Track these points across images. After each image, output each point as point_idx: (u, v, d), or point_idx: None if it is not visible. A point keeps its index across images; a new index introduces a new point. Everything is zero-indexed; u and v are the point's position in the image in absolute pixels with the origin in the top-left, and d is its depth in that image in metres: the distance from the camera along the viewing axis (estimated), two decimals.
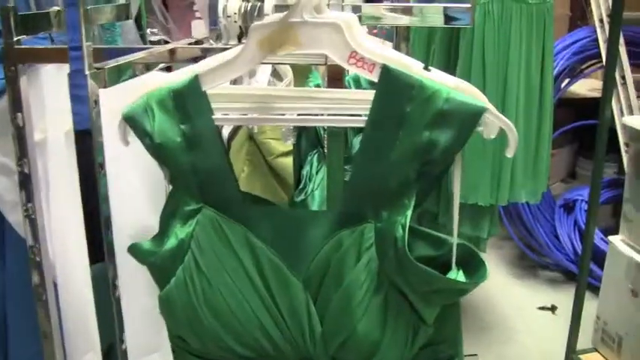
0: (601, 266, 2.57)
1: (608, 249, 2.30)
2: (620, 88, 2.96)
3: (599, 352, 2.32)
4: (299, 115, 0.90)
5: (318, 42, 0.83)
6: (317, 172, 1.45)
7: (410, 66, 0.83)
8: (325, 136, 1.38)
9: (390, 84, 0.82)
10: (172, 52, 1.19)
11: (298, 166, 1.47)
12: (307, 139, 1.48)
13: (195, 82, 0.87)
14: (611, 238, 2.30)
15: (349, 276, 0.84)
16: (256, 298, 0.87)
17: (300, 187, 1.43)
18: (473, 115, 0.80)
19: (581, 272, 2.19)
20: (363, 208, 0.85)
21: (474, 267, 0.84)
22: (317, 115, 0.89)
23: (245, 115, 0.90)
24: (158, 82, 0.89)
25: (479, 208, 2.33)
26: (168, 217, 0.91)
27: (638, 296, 2.10)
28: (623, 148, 2.95)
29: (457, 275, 0.83)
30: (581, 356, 2.29)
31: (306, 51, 0.82)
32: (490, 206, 2.35)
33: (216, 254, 0.87)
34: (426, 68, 0.84)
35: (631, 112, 3.00)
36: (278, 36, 0.82)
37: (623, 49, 2.95)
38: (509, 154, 0.83)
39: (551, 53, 2.20)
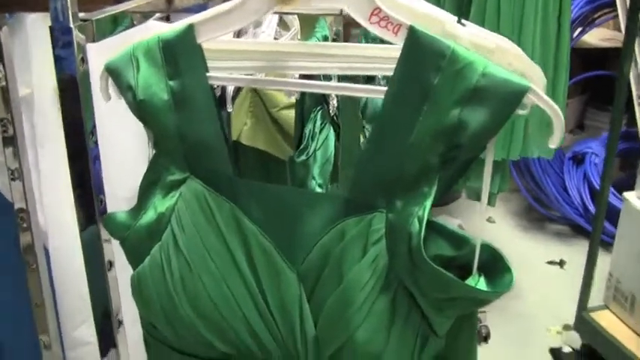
0: (611, 221, 2.51)
1: (623, 205, 2.22)
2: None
3: (610, 310, 2.26)
4: (303, 77, 0.80)
5: None
6: (320, 131, 1.36)
7: (443, 22, 0.70)
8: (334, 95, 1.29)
9: (416, 50, 0.69)
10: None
11: (300, 123, 1.37)
12: (311, 94, 1.38)
13: (189, 33, 0.76)
14: (626, 194, 2.21)
15: (350, 273, 0.71)
16: (242, 287, 0.76)
17: (302, 146, 1.33)
18: (513, 96, 0.66)
19: (595, 231, 2.12)
20: (374, 194, 0.72)
21: (497, 272, 0.71)
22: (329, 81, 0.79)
23: (248, 75, 0.80)
24: (150, 33, 0.79)
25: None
26: (149, 186, 0.80)
27: None
28: (636, 100, 2.84)
29: (477, 282, 0.70)
30: (592, 314, 2.23)
31: (321, 4, 0.72)
32: (501, 161, 2.28)
33: (199, 234, 0.76)
34: (459, 21, 0.72)
35: None
36: None
37: None
38: (554, 144, 0.69)
39: (569, 1, 2.09)
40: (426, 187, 0.70)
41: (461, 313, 0.74)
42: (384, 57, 0.77)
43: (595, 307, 2.26)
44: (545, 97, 0.67)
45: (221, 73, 0.78)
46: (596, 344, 2.20)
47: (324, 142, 1.34)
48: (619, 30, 3.21)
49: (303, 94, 1.34)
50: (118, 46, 0.82)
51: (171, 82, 0.76)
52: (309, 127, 1.33)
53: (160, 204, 0.79)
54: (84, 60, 0.83)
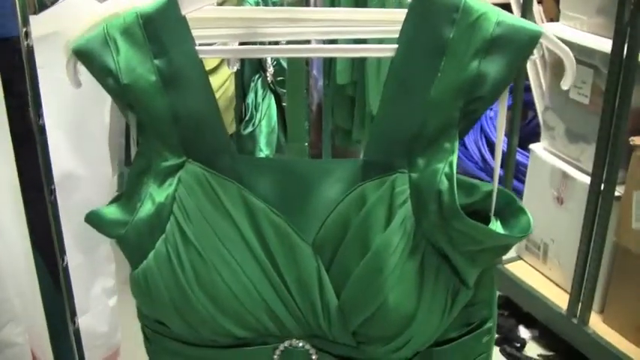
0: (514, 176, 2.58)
1: (530, 158, 2.29)
2: None
3: (524, 260, 2.33)
4: (291, 42, 0.75)
5: None
6: (263, 100, 1.29)
7: None
8: (270, 61, 1.23)
9: (427, 5, 0.68)
10: None
11: (242, 93, 1.30)
12: (250, 63, 1.30)
13: (171, 4, 0.70)
14: (532, 146, 2.28)
15: (379, 239, 0.69)
16: (257, 270, 0.71)
17: (247, 118, 1.26)
18: (529, 41, 0.67)
19: (506, 186, 2.17)
20: (393, 154, 0.70)
21: (511, 215, 0.71)
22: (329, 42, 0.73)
23: (234, 44, 0.74)
24: (111, 7, 0.70)
25: None
26: (139, 175, 0.74)
27: (564, 203, 2.10)
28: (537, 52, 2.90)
29: (496, 227, 0.70)
30: (506, 265, 2.29)
31: None
32: None
33: (206, 220, 0.71)
34: None
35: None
36: None
37: None
38: (566, 85, 0.71)
39: None
40: (447, 142, 0.69)
41: (492, 261, 0.74)
42: (370, 20, 0.74)
43: (509, 259, 2.32)
44: (556, 40, 0.69)
45: (208, 47, 0.71)
46: (512, 295, 2.26)
47: (267, 111, 1.28)
48: None
49: (242, 64, 1.26)
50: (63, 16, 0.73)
51: (157, 61, 0.70)
52: (250, 97, 1.27)
53: (158, 194, 0.72)
54: (27, 34, 0.73)
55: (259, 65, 1.30)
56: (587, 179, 1.91)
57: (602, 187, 1.83)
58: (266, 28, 0.75)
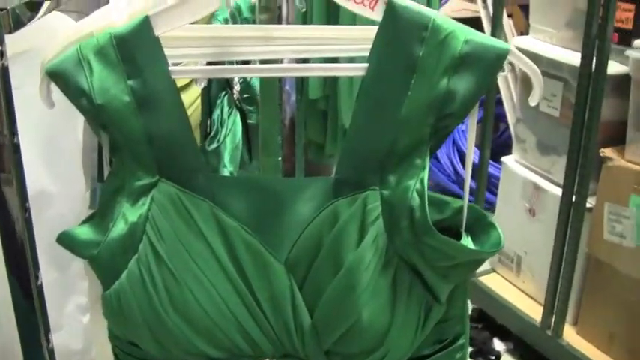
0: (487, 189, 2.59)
1: (502, 170, 2.31)
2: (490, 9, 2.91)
3: (497, 273, 2.34)
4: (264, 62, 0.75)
5: None
6: (228, 117, 1.29)
7: None
8: (236, 78, 1.23)
9: (396, 23, 0.69)
10: None
11: (208, 110, 1.30)
12: (217, 80, 1.30)
13: (145, 25, 0.70)
14: (504, 159, 2.30)
15: (352, 256, 0.69)
16: (230, 289, 0.71)
17: (212, 134, 1.26)
18: (496, 59, 0.68)
19: (477, 202, 2.18)
20: (364, 172, 0.71)
21: (482, 231, 0.73)
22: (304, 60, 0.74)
23: (208, 64, 0.74)
24: (79, 27, 0.70)
25: None
26: (112, 195, 0.74)
27: (536, 215, 2.12)
28: (507, 67, 2.93)
29: (467, 242, 0.72)
30: (480, 278, 2.31)
31: None
32: None
33: (179, 239, 0.71)
34: None
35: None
36: None
37: None
38: (534, 101, 0.73)
39: None
40: (418, 159, 0.70)
41: (464, 276, 0.76)
42: (345, 38, 0.74)
43: (483, 272, 2.34)
44: (524, 57, 0.71)
45: (180, 65, 0.71)
46: (486, 307, 2.27)
47: (232, 128, 1.28)
48: (470, 0, 3.31)
49: (209, 81, 1.26)
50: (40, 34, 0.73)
51: (130, 82, 0.70)
52: (216, 113, 1.26)
53: (131, 213, 0.72)
54: (2, 54, 0.73)
55: (226, 82, 1.30)
56: (558, 191, 1.93)
57: (573, 199, 1.85)
58: (239, 47, 0.75)
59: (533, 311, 2.09)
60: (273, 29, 0.77)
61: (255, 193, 0.75)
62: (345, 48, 0.75)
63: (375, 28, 0.71)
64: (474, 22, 2.94)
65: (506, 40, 2.43)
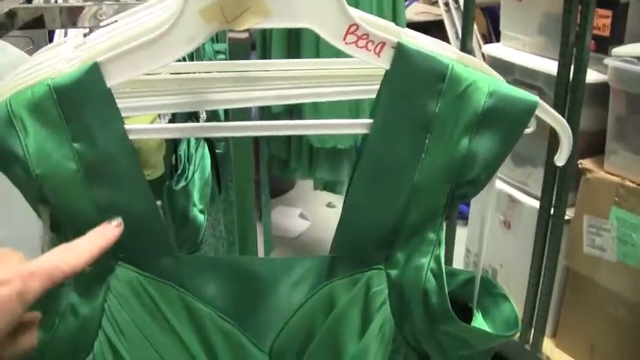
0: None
1: None
2: (454, 12, 2.84)
3: None
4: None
5: (297, 9, 0.54)
6: (196, 150, 1.17)
7: (398, 31, 0.58)
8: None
9: (407, 72, 0.57)
10: (11, 14, 0.85)
11: (172, 145, 1.17)
12: (181, 113, 1.18)
13: (93, 74, 0.56)
14: None
15: (355, 348, 0.59)
16: None
17: (179, 172, 1.14)
18: (524, 113, 0.58)
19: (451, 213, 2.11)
20: (367, 248, 0.60)
21: (493, 304, 0.63)
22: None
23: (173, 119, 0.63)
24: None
25: (337, 152, 2.23)
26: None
27: (511, 227, 2.06)
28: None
29: (479, 321, 0.62)
30: None
31: (279, 24, 0.55)
32: (349, 148, 2.22)
33: (143, 334, 0.60)
34: None
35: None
36: (233, 1, 0.54)
37: None
38: (560, 161, 0.64)
39: None
40: (432, 233, 0.59)
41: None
42: (341, 76, 0.64)
43: None
44: (552, 111, 0.61)
45: (143, 124, 0.59)
46: None
47: (200, 162, 1.15)
48: (432, 4, 3.24)
49: (173, 114, 1.14)
50: None
51: (77, 145, 0.57)
52: (182, 148, 1.14)
53: (81, 305, 0.59)
54: None
55: (192, 114, 1.18)
56: (534, 203, 1.87)
57: (552, 211, 1.79)
58: (213, 93, 0.63)
59: None
60: (251, 65, 0.66)
61: (233, 275, 0.64)
62: (346, 90, 0.64)
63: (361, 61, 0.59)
64: (436, 26, 2.88)
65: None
